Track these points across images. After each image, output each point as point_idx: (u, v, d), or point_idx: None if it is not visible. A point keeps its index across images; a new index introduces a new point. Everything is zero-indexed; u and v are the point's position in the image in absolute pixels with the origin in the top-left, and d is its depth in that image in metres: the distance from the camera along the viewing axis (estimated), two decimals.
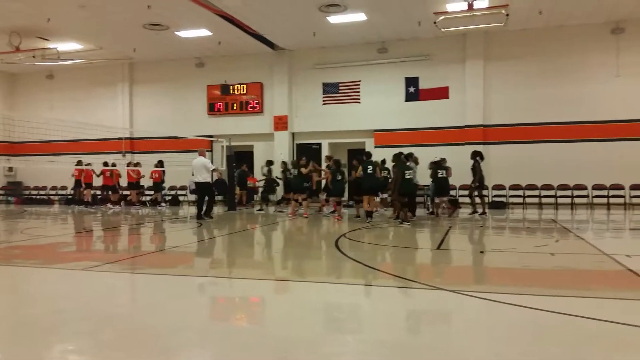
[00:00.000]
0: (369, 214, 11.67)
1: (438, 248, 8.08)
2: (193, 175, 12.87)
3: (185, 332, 3.73)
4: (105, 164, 17.53)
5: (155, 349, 3.36)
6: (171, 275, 6.07)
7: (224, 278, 6.00)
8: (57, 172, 20.97)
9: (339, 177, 12.55)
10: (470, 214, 13.31)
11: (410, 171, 11.51)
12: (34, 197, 21.54)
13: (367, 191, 11.76)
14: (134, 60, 20.33)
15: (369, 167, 11.66)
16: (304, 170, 13.22)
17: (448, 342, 3.54)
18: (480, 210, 13.28)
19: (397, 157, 11.82)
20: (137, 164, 17.73)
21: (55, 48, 17.13)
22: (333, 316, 4.29)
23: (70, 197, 20.10)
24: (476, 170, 13.28)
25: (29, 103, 22.25)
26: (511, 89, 16.86)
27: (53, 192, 21.45)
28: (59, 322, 4.02)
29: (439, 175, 12.94)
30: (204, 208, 12.61)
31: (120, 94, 21.08)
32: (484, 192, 14.09)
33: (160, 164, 17.27)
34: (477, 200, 13.50)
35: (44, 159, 20.36)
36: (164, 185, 18.11)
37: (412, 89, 17.54)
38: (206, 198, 12.75)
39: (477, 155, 13.53)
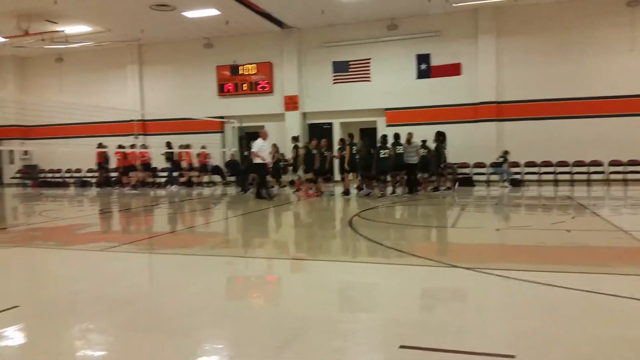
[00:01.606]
0: (347, 192, 13.15)
1: (453, 226, 8.04)
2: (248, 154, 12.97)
3: (202, 312, 3.76)
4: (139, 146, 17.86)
5: (171, 329, 3.39)
6: (187, 255, 6.10)
7: (240, 257, 6.02)
8: (71, 155, 21.18)
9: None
10: (433, 189, 13.97)
11: (387, 151, 12.69)
12: (49, 179, 21.76)
13: (350, 170, 13.22)
14: (142, 42, 20.24)
15: (353, 147, 13.11)
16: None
17: (463, 319, 3.52)
18: (445, 186, 14.24)
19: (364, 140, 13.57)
20: (187, 146, 17.82)
21: (63, 31, 17.10)
22: (348, 295, 4.30)
23: (87, 179, 20.17)
24: (439, 150, 14.03)
25: (39, 87, 22.31)
26: (524, 64, 16.56)
27: (68, 174, 21.65)
28: (77, 302, 4.08)
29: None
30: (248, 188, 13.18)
31: (130, 76, 21.06)
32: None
33: (168, 145, 17.39)
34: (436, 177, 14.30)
35: (58, 141, 20.55)
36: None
37: (423, 66, 17.31)
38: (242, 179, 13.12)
39: (440, 136, 14.20)
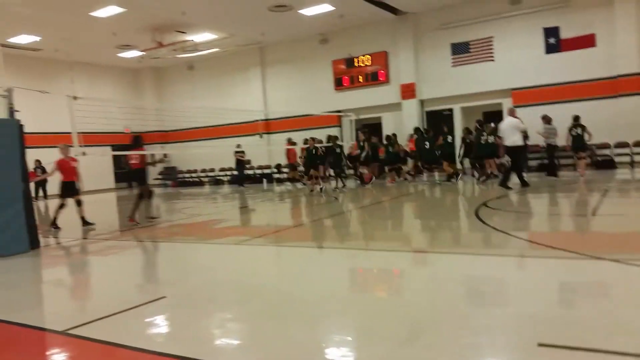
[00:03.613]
0: (450, 177, 13.88)
1: (594, 214, 7.37)
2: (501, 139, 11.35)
3: (330, 301, 3.84)
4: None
5: (301, 317, 3.50)
6: (312, 247, 6.27)
7: (363, 250, 6.05)
8: (205, 156, 22.85)
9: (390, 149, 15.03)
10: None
11: (485, 137, 13.01)
12: (187, 179, 23.71)
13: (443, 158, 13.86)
14: (263, 44, 21.16)
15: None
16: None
17: (609, 315, 3.19)
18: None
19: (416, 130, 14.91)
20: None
21: (192, 40, 18.46)
22: (479, 289, 4.12)
23: (220, 177, 21.53)
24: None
25: (173, 94, 24.36)
26: None
27: (203, 174, 23.42)
28: (216, 292, 4.37)
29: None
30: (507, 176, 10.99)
31: (254, 78, 22.14)
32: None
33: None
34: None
35: (192, 144, 22.31)
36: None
37: (552, 40, 15.99)
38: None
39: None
